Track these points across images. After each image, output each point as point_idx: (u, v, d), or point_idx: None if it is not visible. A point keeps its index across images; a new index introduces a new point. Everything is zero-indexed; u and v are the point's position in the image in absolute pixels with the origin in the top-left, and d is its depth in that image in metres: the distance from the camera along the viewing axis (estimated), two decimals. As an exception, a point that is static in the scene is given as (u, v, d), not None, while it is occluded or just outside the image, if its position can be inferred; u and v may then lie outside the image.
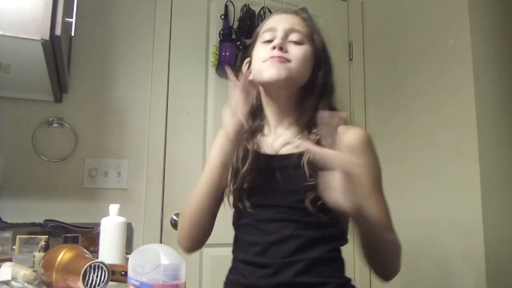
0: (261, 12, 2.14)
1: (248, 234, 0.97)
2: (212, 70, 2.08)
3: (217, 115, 2.07)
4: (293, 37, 0.98)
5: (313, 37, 1.02)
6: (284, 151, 0.99)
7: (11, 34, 1.05)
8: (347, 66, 2.34)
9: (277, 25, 1.00)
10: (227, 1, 2.11)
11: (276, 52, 0.95)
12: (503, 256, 1.62)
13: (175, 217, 1.92)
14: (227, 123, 0.93)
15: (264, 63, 0.96)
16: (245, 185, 0.96)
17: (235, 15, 2.12)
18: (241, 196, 0.97)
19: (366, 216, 0.81)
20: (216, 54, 2.02)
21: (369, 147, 0.96)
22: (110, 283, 0.85)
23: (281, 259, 0.90)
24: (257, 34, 1.07)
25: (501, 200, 1.66)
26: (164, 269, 0.52)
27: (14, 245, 1.29)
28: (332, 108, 1.00)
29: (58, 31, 1.10)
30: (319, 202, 0.87)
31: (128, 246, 1.31)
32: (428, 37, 1.94)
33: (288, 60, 0.95)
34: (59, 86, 1.64)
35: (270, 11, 2.16)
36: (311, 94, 1.00)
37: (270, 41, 0.99)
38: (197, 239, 1.03)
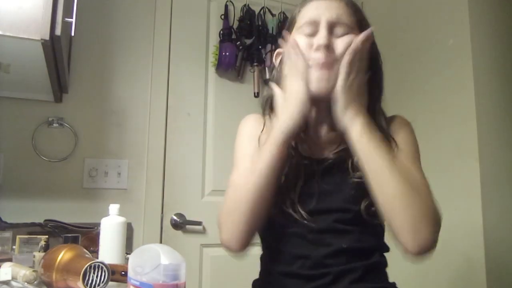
0: (261, 12, 2.14)
1: (295, 245, 0.87)
2: (212, 70, 2.08)
3: (217, 115, 2.07)
4: (339, 30, 0.86)
5: (362, 28, 0.89)
6: (328, 154, 0.92)
7: (11, 34, 1.05)
8: (347, 66, 2.34)
9: (319, 16, 0.86)
10: (227, 1, 2.11)
11: (323, 57, 0.83)
12: (503, 256, 1.62)
13: (175, 217, 1.92)
14: (294, 89, 0.83)
15: (308, 68, 0.84)
16: (291, 191, 0.87)
17: (235, 15, 2.12)
18: (292, 201, 0.86)
19: (367, 132, 0.81)
20: (216, 54, 2.03)
21: (409, 129, 1.04)
22: (110, 283, 0.85)
23: (336, 267, 0.84)
24: (293, 22, 0.93)
25: (501, 200, 1.66)
26: (164, 269, 0.52)
27: (14, 245, 1.29)
28: (378, 111, 0.95)
29: (58, 31, 1.10)
30: (373, 208, 0.83)
31: (128, 246, 1.31)
32: (428, 37, 1.94)
33: (336, 64, 0.83)
34: (59, 86, 1.64)
35: (270, 11, 2.17)
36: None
37: (311, 35, 0.87)
38: (253, 231, 0.86)
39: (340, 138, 0.89)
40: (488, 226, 1.61)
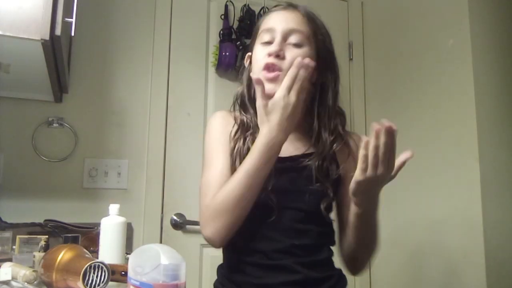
0: (261, 12, 2.14)
1: (256, 241, 0.95)
2: (212, 70, 2.08)
3: (217, 115, 2.07)
4: (293, 39, 0.95)
5: (316, 36, 0.98)
6: (294, 152, 0.99)
7: (11, 34, 1.05)
8: (347, 66, 2.34)
9: (276, 25, 0.97)
10: (227, 1, 2.11)
11: (271, 60, 0.93)
12: (503, 256, 1.62)
13: (175, 217, 1.92)
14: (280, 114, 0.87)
15: (262, 71, 0.94)
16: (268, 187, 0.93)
17: (235, 15, 2.12)
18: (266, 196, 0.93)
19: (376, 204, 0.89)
20: (216, 54, 2.02)
21: None
22: (110, 283, 0.85)
23: (292, 259, 0.94)
24: (257, 30, 1.04)
25: (501, 200, 1.66)
26: (164, 269, 0.52)
27: (14, 245, 1.28)
28: (337, 111, 1.02)
29: (58, 31, 1.10)
30: (329, 210, 0.96)
31: (128, 246, 1.31)
32: (428, 37, 1.94)
33: (282, 70, 0.92)
34: (59, 86, 1.64)
35: (270, 11, 2.16)
36: (314, 98, 0.98)
37: (268, 42, 0.96)
38: (236, 229, 0.93)
39: (310, 141, 0.99)
40: (488, 226, 1.61)
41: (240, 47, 2.04)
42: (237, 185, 0.89)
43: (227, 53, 2.00)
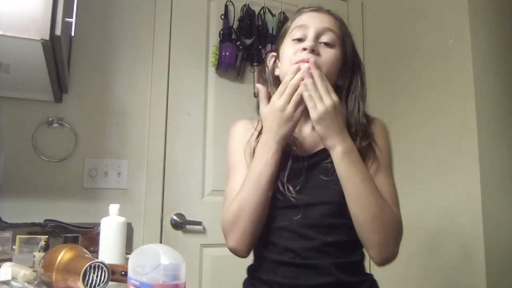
0: (261, 12, 2.14)
1: (285, 239, 0.94)
2: (212, 70, 2.08)
3: (217, 115, 2.07)
4: (325, 38, 0.96)
5: (344, 39, 0.99)
6: (313, 151, 0.99)
7: (11, 34, 1.05)
8: (347, 66, 2.34)
9: (309, 23, 0.97)
10: (227, 1, 2.11)
11: (308, 56, 0.92)
12: (503, 256, 1.62)
13: (175, 217, 1.92)
14: (279, 128, 0.91)
15: (293, 66, 0.92)
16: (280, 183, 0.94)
17: (235, 15, 2.12)
18: (284, 196, 0.93)
19: (348, 156, 0.89)
20: (216, 54, 2.02)
21: (387, 135, 1.08)
22: (110, 283, 0.85)
23: (325, 259, 0.92)
24: (287, 29, 1.03)
25: (501, 200, 1.66)
26: (164, 269, 0.52)
27: (14, 245, 1.28)
28: (360, 116, 1.01)
29: (58, 31, 1.10)
30: None
31: (128, 246, 1.31)
32: (428, 37, 1.94)
33: (319, 66, 0.91)
34: (59, 86, 1.64)
35: (270, 11, 2.17)
36: (340, 99, 0.96)
37: (300, 39, 0.96)
38: (258, 234, 0.95)
39: None
40: (488, 226, 1.61)
41: (240, 47, 2.04)
42: (245, 190, 0.92)
43: (227, 53, 2.00)
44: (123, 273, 0.92)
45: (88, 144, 1.83)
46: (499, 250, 1.62)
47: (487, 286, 1.56)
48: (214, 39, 2.09)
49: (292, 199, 0.92)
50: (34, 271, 0.91)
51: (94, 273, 0.81)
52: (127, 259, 1.06)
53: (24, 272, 0.91)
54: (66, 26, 1.22)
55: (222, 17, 2.10)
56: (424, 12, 1.99)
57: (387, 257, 0.91)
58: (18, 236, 1.28)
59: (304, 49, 0.93)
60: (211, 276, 1.94)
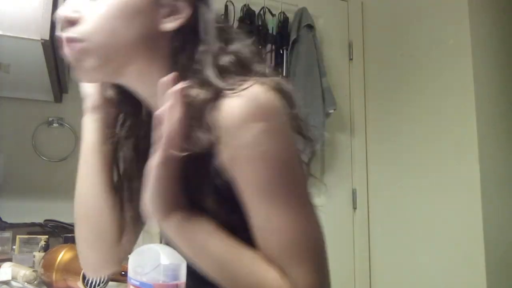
0: (261, 12, 2.14)
1: None
2: (212, 70, 2.08)
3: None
4: None
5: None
6: None
7: (11, 34, 1.05)
8: (347, 66, 2.34)
9: None
10: (227, 1, 2.11)
11: (63, 35, 0.61)
12: (503, 256, 1.62)
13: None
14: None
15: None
16: None
17: (235, 15, 2.12)
18: None
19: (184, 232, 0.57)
20: (216, 54, 2.02)
21: (252, 128, 0.52)
22: (110, 283, 0.85)
23: None
24: None
25: (501, 200, 1.67)
26: (164, 269, 0.52)
27: (14, 245, 1.29)
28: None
29: (58, 31, 1.10)
30: None
31: (128, 246, 1.31)
32: (428, 37, 1.94)
33: (80, 41, 0.59)
34: (59, 86, 1.64)
35: (270, 11, 2.17)
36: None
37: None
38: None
39: None
40: (488, 226, 1.61)
41: (240, 47, 2.04)
42: None
43: (227, 53, 2.00)
44: (123, 273, 0.93)
45: (88, 144, 1.83)
46: (499, 250, 1.62)
47: (487, 286, 1.56)
48: (214, 39, 2.09)
49: None
50: (34, 271, 0.91)
51: (94, 273, 0.81)
52: (127, 259, 1.06)
53: (24, 272, 0.91)
54: (66, 26, 1.22)
55: (222, 17, 2.09)
56: (424, 12, 1.99)
57: None
58: (18, 236, 1.28)
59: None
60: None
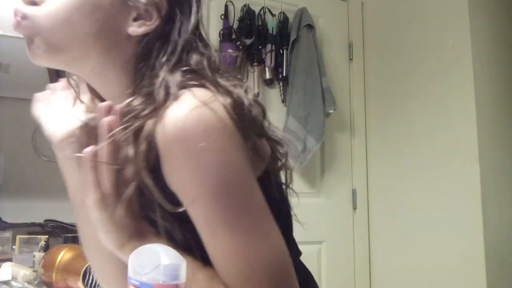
0: (261, 12, 2.14)
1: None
2: (212, 70, 2.08)
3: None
4: None
5: None
6: None
7: (11, 34, 1.05)
8: (347, 66, 2.34)
9: None
10: (227, 1, 2.11)
11: (18, 6, 0.60)
12: (503, 256, 1.62)
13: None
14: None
15: None
16: None
17: (235, 15, 2.12)
18: None
19: None
20: (216, 54, 2.02)
21: (186, 151, 0.48)
22: (110, 283, 0.85)
23: None
24: None
25: (501, 201, 1.67)
26: (164, 269, 0.52)
27: (14, 245, 1.29)
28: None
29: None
30: None
31: (128, 246, 1.31)
32: (428, 37, 1.94)
33: (26, 18, 0.59)
34: (59, 86, 1.64)
35: (270, 11, 2.17)
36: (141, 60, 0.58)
37: None
38: None
39: None
40: (488, 226, 1.61)
41: (240, 47, 2.04)
42: None
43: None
44: (123, 273, 0.92)
45: (88, 144, 1.83)
46: (499, 250, 1.62)
47: (487, 285, 1.56)
48: (214, 39, 2.09)
49: None
50: (34, 271, 0.91)
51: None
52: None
53: (24, 272, 0.91)
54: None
55: (222, 17, 2.10)
56: (424, 12, 1.99)
57: None
58: (18, 236, 1.28)
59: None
60: (211, 276, 1.93)
